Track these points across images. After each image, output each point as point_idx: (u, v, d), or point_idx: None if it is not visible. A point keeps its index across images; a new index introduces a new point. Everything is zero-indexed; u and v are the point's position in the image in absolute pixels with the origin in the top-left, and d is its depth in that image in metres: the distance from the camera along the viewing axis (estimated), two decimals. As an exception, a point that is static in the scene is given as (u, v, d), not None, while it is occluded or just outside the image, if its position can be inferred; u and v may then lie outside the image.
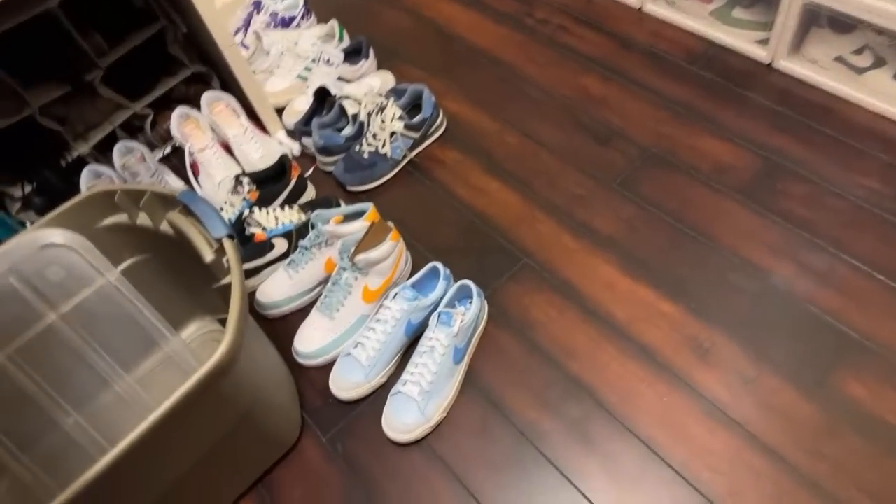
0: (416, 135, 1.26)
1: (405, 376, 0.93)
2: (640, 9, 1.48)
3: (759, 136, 1.20)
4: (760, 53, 1.31)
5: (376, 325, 0.97)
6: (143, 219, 0.91)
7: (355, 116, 1.26)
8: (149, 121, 1.36)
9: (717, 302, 1.00)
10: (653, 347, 0.97)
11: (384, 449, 0.93)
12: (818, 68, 1.25)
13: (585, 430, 0.91)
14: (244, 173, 1.19)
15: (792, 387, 0.90)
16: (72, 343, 0.86)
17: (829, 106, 1.22)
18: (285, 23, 1.58)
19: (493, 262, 1.10)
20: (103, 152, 1.30)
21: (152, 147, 1.37)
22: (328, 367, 1.01)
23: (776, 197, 1.10)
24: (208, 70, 1.39)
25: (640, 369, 0.95)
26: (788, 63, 1.27)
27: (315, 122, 1.26)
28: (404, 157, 1.27)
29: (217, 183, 1.26)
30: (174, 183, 1.28)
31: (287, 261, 1.08)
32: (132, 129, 1.37)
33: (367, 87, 1.39)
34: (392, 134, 1.23)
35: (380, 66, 1.50)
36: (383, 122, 1.22)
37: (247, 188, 1.14)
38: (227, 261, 0.78)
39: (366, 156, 1.22)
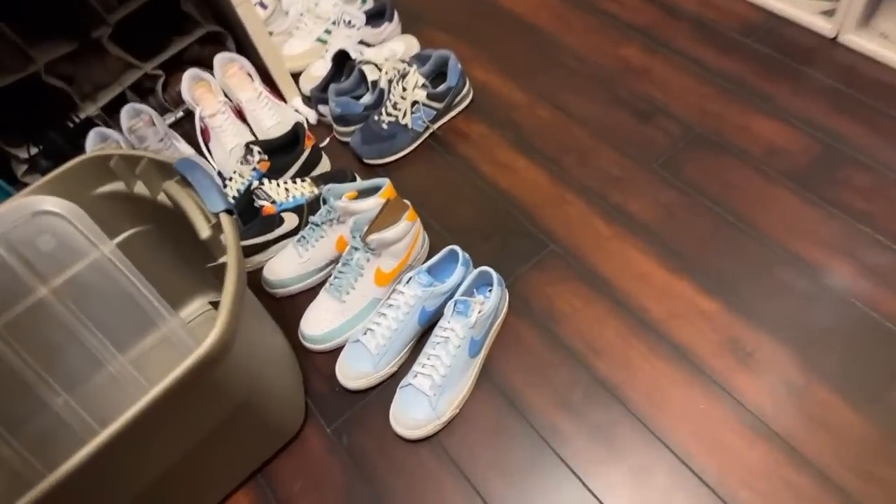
0: (439, 105, 1.17)
1: (416, 368, 0.87)
2: (689, -27, 1.36)
3: (818, 117, 1.08)
4: (825, 26, 1.18)
5: (388, 310, 0.90)
6: (140, 188, 0.84)
7: (375, 83, 1.18)
8: (160, 83, 1.29)
9: (763, 301, 0.91)
10: (689, 348, 0.88)
11: (391, 443, 0.87)
12: (889, 44, 1.12)
13: (610, 437, 0.83)
14: (255, 141, 1.11)
15: (843, 400, 0.81)
16: (63, 319, 0.81)
17: (900, 86, 1.10)
18: (306, -19, 1.49)
19: (517, 247, 1.02)
20: (112, 115, 1.24)
21: (164, 111, 1.31)
22: (336, 352, 0.94)
23: (834, 186, 0.99)
24: (223, 30, 1.31)
25: (673, 372, 0.87)
26: (856, 37, 1.14)
27: (332, 88, 1.18)
28: (426, 129, 1.18)
29: (228, 151, 1.19)
30: (184, 149, 1.21)
31: (297, 237, 1.02)
32: (143, 91, 1.30)
33: (389, 52, 1.30)
34: (414, 104, 1.14)
35: (404, 30, 1.40)
36: (405, 90, 1.13)
37: (257, 157, 1.07)
38: (225, 238, 0.71)
39: (385, 126, 1.14)
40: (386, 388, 0.91)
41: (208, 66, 1.26)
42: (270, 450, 0.89)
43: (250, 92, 1.23)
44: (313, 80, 1.29)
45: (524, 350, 0.92)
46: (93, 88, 1.25)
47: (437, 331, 0.88)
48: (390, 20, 1.36)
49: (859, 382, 0.82)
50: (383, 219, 0.91)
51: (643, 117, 1.15)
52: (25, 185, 1.18)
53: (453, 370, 0.86)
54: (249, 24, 1.17)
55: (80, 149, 1.18)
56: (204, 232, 0.73)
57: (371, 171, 1.17)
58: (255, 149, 1.07)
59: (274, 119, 1.22)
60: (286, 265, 1.01)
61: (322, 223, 0.98)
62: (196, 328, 1.00)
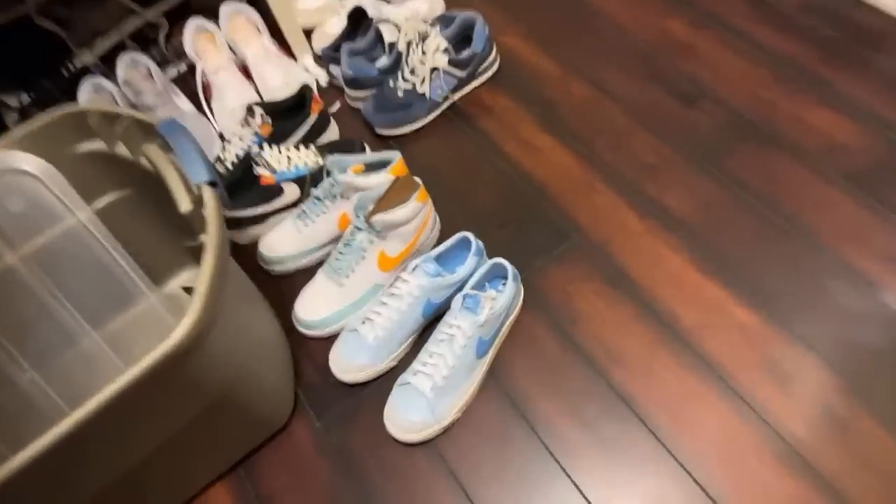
0: (461, 73, 1.07)
1: (417, 365, 0.79)
2: (749, -60, 1.22)
3: (886, 112, 0.96)
4: (900, 6, 1.05)
5: (390, 300, 0.82)
6: (121, 149, 0.76)
7: (392, 45, 1.07)
8: (163, 33, 1.20)
9: (809, 316, 0.81)
10: (720, 363, 0.79)
11: (384, 444, 0.80)
12: (974, 31, 0.99)
13: (625, 455, 0.75)
14: (259, 103, 1.02)
15: (894, 438, 0.72)
16: (32, 290, 0.73)
17: (983, 80, 0.97)
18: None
19: (537, 237, 0.93)
20: (111, 65, 1.15)
21: (165, 63, 1.22)
22: (331, 340, 0.87)
23: (899, 191, 0.88)
24: (233, -22, 1.20)
25: (701, 388, 0.78)
26: (936, 21, 1.01)
27: (345, 47, 1.08)
28: (445, 99, 1.08)
29: (231, 110, 1.10)
30: (183, 106, 1.12)
31: (297, 211, 0.93)
32: (145, 40, 1.21)
33: (410, 12, 1.19)
34: (433, 70, 1.03)
35: (429, -12, 1.28)
36: (424, 54, 1.02)
37: (259, 120, 0.98)
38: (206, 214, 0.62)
39: (400, 94, 1.04)
40: (383, 383, 0.84)
41: (215, 17, 1.16)
42: (254, 442, 0.82)
43: (257, 47, 1.13)
44: (327, 39, 1.19)
45: (537, 352, 0.83)
46: (90, 35, 1.16)
47: (442, 326, 0.79)
48: (414, -24, 1.25)
49: (914, 418, 0.73)
50: (391, 197, 0.82)
51: (686, 100, 1.03)
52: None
53: (457, 371, 0.78)
54: (260, -28, 1.07)
55: (75, 99, 1.10)
56: (184, 204, 0.65)
57: (382, 142, 1.08)
58: (258, 110, 0.98)
59: (281, 78, 1.12)
60: (284, 240, 0.93)
61: (324, 197, 0.89)
62: (186, 304, 0.92)
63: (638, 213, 0.93)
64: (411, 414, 0.77)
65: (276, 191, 0.94)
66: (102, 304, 0.77)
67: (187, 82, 1.21)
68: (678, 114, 1.02)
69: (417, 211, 0.85)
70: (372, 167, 0.89)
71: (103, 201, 0.80)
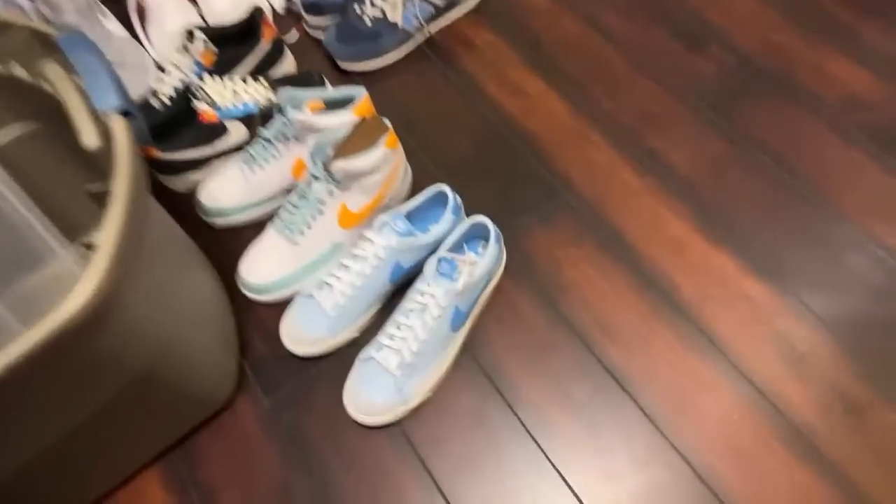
0: (439, 1, 0.92)
1: (382, 339, 0.67)
2: None
3: (912, 63, 0.87)
4: (932, -54, 0.94)
5: (352, 262, 0.70)
6: (18, 69, 0.61)
7: (360, -35, 0.92)
8: (89, -60, 1.01)
9: (824, 290, 0.72)
10: (726, 339, 0.70)
11: (342, 427, 0.69)
12: None
13: (618, 443, 0.66)
14: (202, 27, 0.87)
15: (916, 427, 0.64)
16: None
17: None
18: None
19: (522, 194, 0.81)
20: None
21: (94, -23, 1.04)
22: (283, 306, 0.75)
23: (925, 153, 0.80)
24: None
25: (703, 367, 0.69)
26: (969, -36, 0.91)
27: (305, -35, 0.92)
28: (419, 30, 0.94)
29: (170, 35, 0.94)
30: (113, 29, 0.96)
31: (244, 154, 0.79)
32: (68, -52, 1.02)
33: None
34: (408, -4, 0.89)
35: None
36: (397, -23, 0.88)
37: (200, 47, 0.83)
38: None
39: (368, 22, 0.90)
40: (342, 358, 0.72)
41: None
42: (190, 422, 0.70)
43: (201, -38, 0.97)
44: (285, -43, 1.02)
45: (520, 325, 0.73)
46: (-2, -63, 0.97)
47: (412, 294, 0.68)
48: None
49: (939, 407, 0.65)
50: (355, 141, 0.69)
51: (693, 43, 0.92)
52: None
53: (429, 346, 0.67)
54: None
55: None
56: (89, 138, 0.51)
57: (347, 78, 0.94)
58: (199, 35, 0.83)
59: (229, 1, 0.96)
60: (228, 189, 0.79)
61: (275, 139, 0.76)
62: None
63: (637, 169, 0.82)
64: (375, 394, 0.67)
65: (218, 130, 0.80)
66: (3, 263, 0.63)
67: (119, 1, 1.04)
68: (683, 59, 0.90)
69: (385, 159, 0.72)
70: (333, 105, 0.76)
71: (6, 136, 0.65)
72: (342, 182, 0.71)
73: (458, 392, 0.70)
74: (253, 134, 0.82)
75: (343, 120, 0.73)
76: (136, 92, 0.89)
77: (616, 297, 0.74)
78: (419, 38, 0.95)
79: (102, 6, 0.97)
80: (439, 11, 0.94)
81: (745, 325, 0.71)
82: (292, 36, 0.98)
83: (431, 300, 0.66)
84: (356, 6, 0.91)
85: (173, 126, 0.81)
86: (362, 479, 0.67)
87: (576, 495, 0.64)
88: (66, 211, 0.69)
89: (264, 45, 0.87)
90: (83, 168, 0.70)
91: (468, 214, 0.73)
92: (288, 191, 0.80)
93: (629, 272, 0.75)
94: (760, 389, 0.67)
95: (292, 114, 0.72)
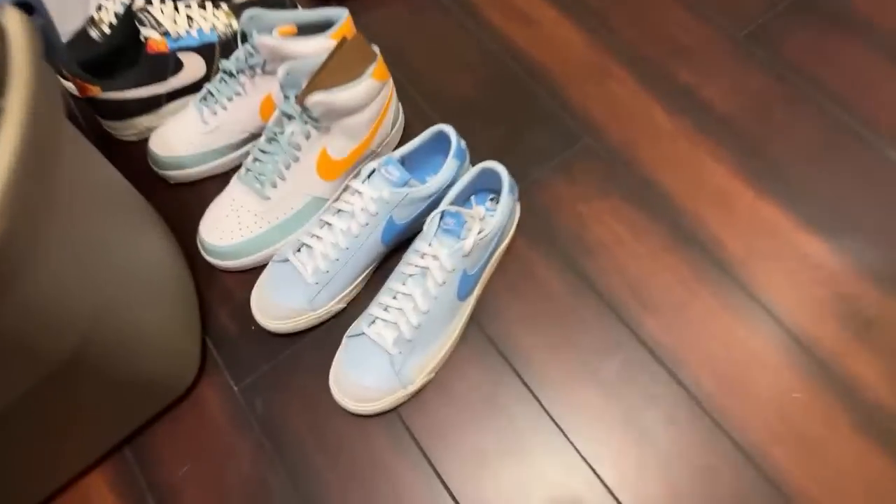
0: (433, -84, 0.79)
1: (375, 310, 0.56)
2: None
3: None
4: None
5: (336, 219, 0.58)
6: None
7: None
8: None
9: (892, 246, 0.62)
10: (780, 305, 0.60)
11: (328, 415, 0.58)
12: None
13: (658, 429, 0.55)
14: (150, -57, 0.72)
15: None
16: None
17: None
18: None
19: (535, 139, 0.69)
20: None
21: None
22: (255, 274, 0.62)
23: None
24: None
25: (756, 339, 0.58)
26: None
27: None
28: (411, -48, 0.80)
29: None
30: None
31: (201, 93, 0.66)
32: None
33: None
34: None
35: None
36: None
37: (147, -36, 0.68)
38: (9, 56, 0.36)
39: (349, -62, 0.76)
40: (326, 333, 0.61)
41: None
42: (143, 414, 0.58)
43: None
44: None
45: (537, 292, 0.62)
46: None
47: (410, 256, 0.56)
48: None
49: None
50: (335, 70, 0.56)
51: (727, -36, 0.79)
52: None
53: (432, 318, 0.55)
54: None
55: None
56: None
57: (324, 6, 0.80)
58: (145, -50, 0.68)
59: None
60: (184, 135, 0.66)
61: (239, 72, 0.62)
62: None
63: (668, 107, 0.70)
64: (367, 376, 0.55)
65: (171, 64, 0.66)
66: None
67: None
68: (717, -18, 0.78)
69: (374, 92, 0.60)
70: (308, 30, 0.63)
71: None
72: (321, 121, 0.58)
73: (465, 371, 0.59)
74: (213, 69, 0.68)
75: (321, 45, 0.59)
76: (73, 24, 0.75)
77: (651, 257, 0.62)
78: (409, -40, 0.81)
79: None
80: (433, -74, 0.80)
81: (801, 285, 0.60)
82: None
83: (434, 263, 0.54)
84: (334, -82, 0.77)
85: (116, 59, 0.67)
86: (352, 476, 0.55)
87: (610, 491, 0.53)
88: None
89: (225, -36, 0.73)
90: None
91: (474, 162, 0.61)
92: (256, 136, 0.67)
93: (664, 228, 0.64)
94: (823, 361, 0.57)
95: (259, 39, 0.59)
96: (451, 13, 0.79)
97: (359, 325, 0.56)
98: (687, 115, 0.69)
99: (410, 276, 0.55)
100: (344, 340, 0.57)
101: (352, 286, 0.60)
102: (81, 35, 0.70)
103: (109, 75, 0.66)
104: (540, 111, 0.71)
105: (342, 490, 0.55)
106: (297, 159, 0.60)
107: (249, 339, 0.61)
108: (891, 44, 0.72)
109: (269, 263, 0.60)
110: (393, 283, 0.56)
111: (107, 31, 0.69)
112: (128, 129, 0.70)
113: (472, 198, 0.61)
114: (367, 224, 0.57)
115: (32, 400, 0.46)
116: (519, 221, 0.64)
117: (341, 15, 0.62)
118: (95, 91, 0.65)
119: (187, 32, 0.66)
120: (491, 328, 0.60)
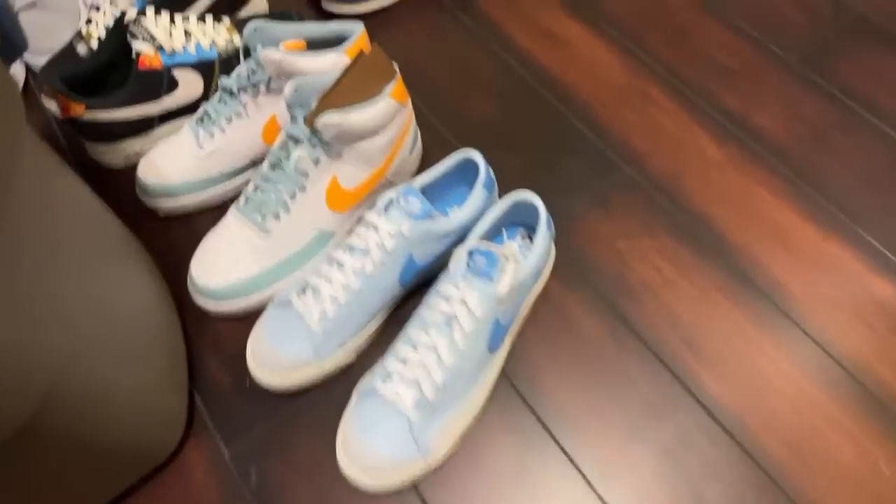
0: (453, -70, 0.73)
1: (391, 363, 0.48)
2: None
3: None
4: None
5: (347, 256, 0.50)
6: None
7: None
8: None
9: (979, 291, 0.54)
10: (852, 358, 0.52)
11: (333, 488, 0.49)
12: None
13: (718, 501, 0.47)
14: (147, -46, 0.66)
15: None
16: None
17: None
18: None
19: (568, 169, 0.62)
20: None
21: None
22: (252, 319, 0.54)
23: None
24: None
25: (829, 401, 0.50)
26: None
27: None
28: (429, -32, 0.75)
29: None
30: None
31: (198, 114, 0.59)
32: None
33: None
34: (413, -80, 0.70)
35: None
36: None
37: (141, -25, 0.62)
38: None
39: (363, -49, 0.70)
40: (333, 390, 0.53)
41: None
42: (119, 484, 0.50)
43: None
44: None
45: (575, 343, 0.54)
46: None
47: (433, 300, 0.48)
48: None
49: None
50: (351, 86, 0.50)
51: (769, -16, 0.74)
52: None
53: (458, 375, 0.47)
54: None
55: None
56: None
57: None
58: (140, -40, 0.63)
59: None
60: (177, 161, 0.59)
61: (240, 90, 0.56)
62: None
63: (715, 135, 0.63)
64: (381, 443, 0.47)
65: (164, 81, 0.60)
66: None
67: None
68: (763, 1, 0.72)
69: (393, 113, 0.53)
70: (318, 45, 0.56)
71: None
72: (332, 146, 0.51)
73: (495, 438, 0.51)
74: (212, 88, 0.62)
75: (334, 61, 0.53)
76: (63, 40, 0.69)
77: (701, 303, 0.55)
78: (427, -24, 0.76)
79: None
80: (453, -60, 0.75)
81: (878, 335, 0.53)
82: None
83: (462, 309, 0.47)
84: (347, -71, 0.71)
85: (104, 76, 0.60)
86: (363, 562, 0.47)
87: (672, 586, 0.44)
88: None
89: (227, -24, 0.67)
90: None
91: (502, 193, 0.54)
92: (257, 162, 0.60)
93: (717, 269, 0.56)
94: (909, 427, 0.49)
95: (265, 53, 0.52)
96: (472, 34, 0.72)
97: (372, 380, 0.48)
98: (736, 143, 0.62)
99: (433, 323, 0.47)
100: (353, 399, 0.49)
101: (363, 334, 0.52)
102: (67, 50, 0.64)
103: (96, 92, 0.60)
104: (570, 138, 0.64)
105: (350, 580, 0.46)
106: (303, 188, 0.52)
107: (243, 395, 0.53)
108: (955, 68, 0.66)
109: (269, 307, 0.52)
110: (412, 330, 0.48)
111: (95, 46, 0.63)
112: (114, 154, 0.63)
113: (505, 232, 0.54)
114: (383, 262, 0.50)
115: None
116: (553, 260, 0.56)
117: (355, 29, 0.56)
118: (79, 110, 0.58)
119: (184, 48, 0.60)
120: (524, 386, 0.52)
